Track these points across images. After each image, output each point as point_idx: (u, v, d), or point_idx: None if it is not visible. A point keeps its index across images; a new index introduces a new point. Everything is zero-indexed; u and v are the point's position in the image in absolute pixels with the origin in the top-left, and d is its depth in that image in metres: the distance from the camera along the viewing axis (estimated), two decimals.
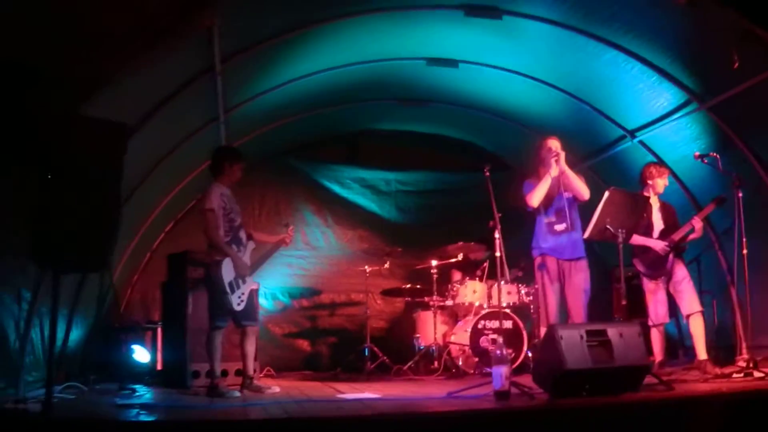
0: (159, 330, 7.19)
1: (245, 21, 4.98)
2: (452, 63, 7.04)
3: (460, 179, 9.12)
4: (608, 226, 5.16)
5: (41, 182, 3.51)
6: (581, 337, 4.51)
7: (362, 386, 5.98)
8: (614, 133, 7.51)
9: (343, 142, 9.01)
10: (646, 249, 6.02)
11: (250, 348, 5.58)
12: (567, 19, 6.00)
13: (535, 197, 5.63)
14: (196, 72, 5.27)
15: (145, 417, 3.89)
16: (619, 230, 5.17)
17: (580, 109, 7.37)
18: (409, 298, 7.97)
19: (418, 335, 7.72)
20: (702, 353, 5.84)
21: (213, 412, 4.31)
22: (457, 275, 8.12)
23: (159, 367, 7.09)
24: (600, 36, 6.13)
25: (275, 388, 5.57)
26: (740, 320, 6.99)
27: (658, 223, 6.12)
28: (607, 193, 5.15)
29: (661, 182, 6.10)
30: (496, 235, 5.29)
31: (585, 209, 5.71)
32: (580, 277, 5.63)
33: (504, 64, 7.09)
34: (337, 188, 8.93)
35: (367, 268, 7.80)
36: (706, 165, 5.99)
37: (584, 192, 5.66)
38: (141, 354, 7.02)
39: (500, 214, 5.34)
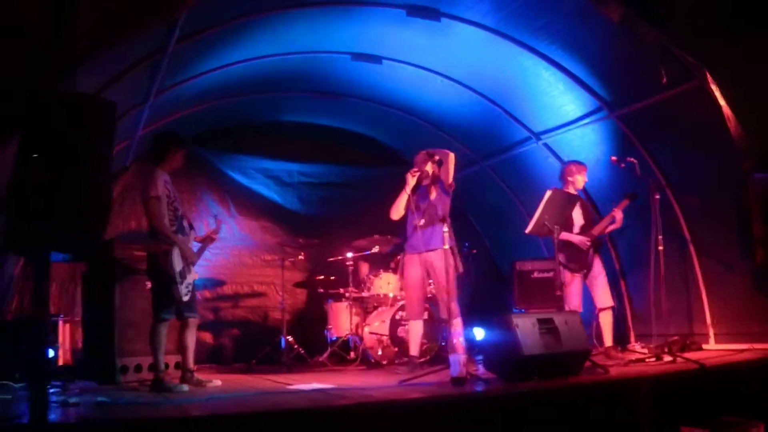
0: (60, 323, 6.76)
1: (211, 3, 4.81)
2: (376, 59, 7.16)
3: (360, 173, 9.28)
4: (546, 223, 5.56)
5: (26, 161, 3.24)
6: (533, 324, 4.84)
7: (295, 378, 5.97)
8: (520, 134, 7.98)
9: (252, 133, 8.83)
10: (569, 243, 6.45)
11: (191, 341, 5.39)
12: (499, 25, 6.34)
13: (394, 212, 6.09)
14: (150, 51, 5.00)
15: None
16: (555, 226, 5.59)
17: (492, 111, 7.76)
18: (322, 290, 8.00)
19: (330, 326, 7.78)
20: (609, 341, 6.41)
21: (185, 407, 4.14)
22: (365, 267, 8.28)
23: (61, 362, 6.66)
24: (525, 43, 6.53)
25: (216, 381, 5.42)
26: (629, 312, 7.77)
27: (578, 219, 6.54)
28: (548, 193, 5.53)
29: (580, 179, 6.53)
30: (445, 228, 5.49)
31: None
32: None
33: (426, 64, 7.32)
34: (240, 178, 8.75)
35: (284, 260, 7.74)
36: (615, 169, 6.57)
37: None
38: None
39: (454, 208, 5.57)
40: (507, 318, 4.81)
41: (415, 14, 6.11)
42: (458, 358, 4.74)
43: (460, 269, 5.46)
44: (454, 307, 5.75)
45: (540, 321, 4.88)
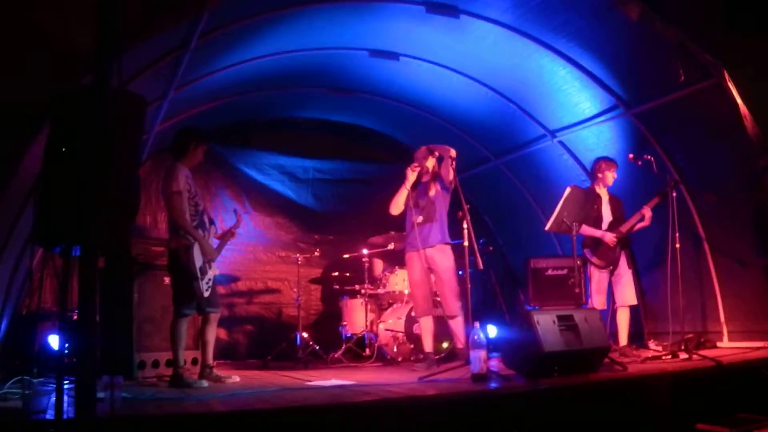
0: (75, 317, 6.76)
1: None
2: (394, 56, 7.17)
3: (375, 170, 9.27)
4: (564, 220, 5.57)
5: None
6: (554, 321, 4.86)
7: (314, 374, 5.99)
8: (535, 132, 7.97)
9: (267, 128, 8.85)
10: (596, 239, 6.45)
11: (211, 336, 5.42)
12: (518, 23, 6.34)
13: (393, 207, 6.09)
14: (173, 47, 5.02)
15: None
16: (574, 223, 5.59)
17: (507, 108, 7.76)
18: (337, 286, 8.01)
19: (345, 323, 7.79)
20: (624, 339, 6.41)
21: (209, 403, 4.15)
22: (380, 264, 8.29)
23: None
24: (543, 41, 6.52)
25: (235, 377, 5.44)
26: (643, 309, 7.75)
27: (607, 215, 6.53)
28: (568, 190, 5.54)
29: (610, 175, 6.52)
30: (465, 225, 5.49)
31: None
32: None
33: (443, 61, 7.32)
34: (255, 174, 8.77)
35: (299, 256, 7.76)
36: (631, 166, 6.57)
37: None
38: (57, 344, 6.55)
39: (468, 206, 5.55)
40: (527, 315, 4.83)
41: (434, 11, 6.11)
42: (478, 354, 4.75)
43: (480, 266, 5.43)
44: (456, 304, 5.91)
45: (560, 318, 4.90)
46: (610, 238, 6.36)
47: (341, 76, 7.68)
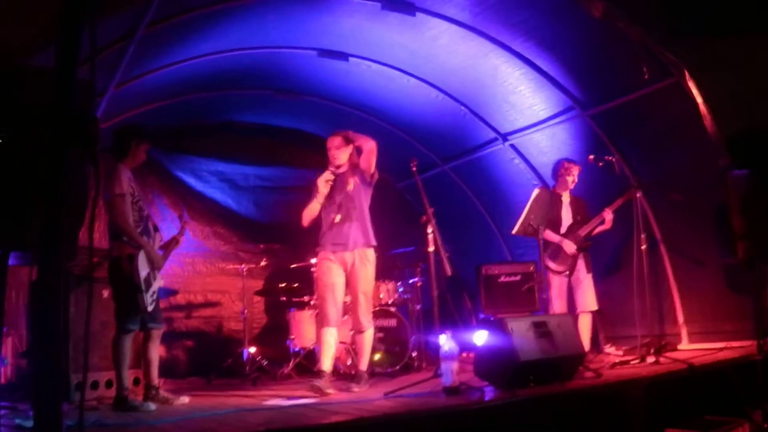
0: (2, 337, 6.16)
1: None
2: (343, 56, 6.87)
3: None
4: (531, 223, 5.38)
5: None
6: (528, 329, 4.64)
7: (265, 392, 5.62)
8: (486, 135, 7.81)
9: (206, 132, 8.38)
10: (552, 243, 6.30)
11: (155, 354, 4.97)
12: (475, 21, 6.15)
13: (305, 220, 5.45)
14: (118, 36, 4.56)
15: None
16: (540, 226, 5.41)
17: (458, 111, 7.58)
18: (284, 298, 7.61)
19: (293, 336, 7.37)
20: (587, 346, 6.28)
21: (163, 429, 3.74)
22: None
23: (2, 379, 6.08)
24: (499, 40, 6.36)
25: (183, 398, 5.00)
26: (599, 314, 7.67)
27: (567, 217, 6.43)
28: (536, 192, 5.38)
29: (569, 179, 6.45)
30: (429, 230, 5.23)
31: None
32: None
33: (394, 62, 7.07)
34: (193, 181, 8.30)
35: (244, 267, 7.34)
36: (587, 169, 6.48)
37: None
38: None
39: (432, 209, 5.28)
40: (501, 322, 4.59)
41: (391, 8, 5.86)
42: (450, 366, 4.49)
43: (448, 272, 5.16)
44: (369, 316, 5.41)
45: (534, 324, 4.68)
46: (568, 246, 6.23)
47: (288, 77, 7.32)
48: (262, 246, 7.74)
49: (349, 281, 5.34)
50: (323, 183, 5.33)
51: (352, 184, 5.41)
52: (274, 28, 6.06)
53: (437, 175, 8.75)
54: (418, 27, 6.26)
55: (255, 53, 6.45)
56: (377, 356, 6.81)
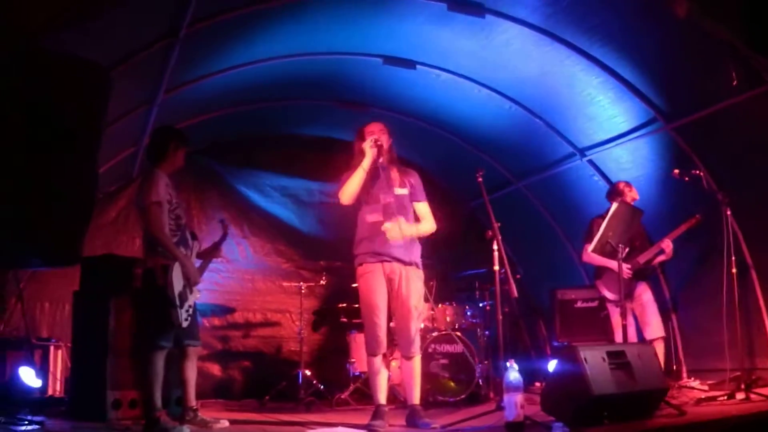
0: (51, 348, 6.12)
1: None
2: (410, 64, 6.51)
3: None
4: (609, 240, 4.84)
5: None
6: (603, 359, 4.09)
7: (316, 417, 5.27)
8: (562, 150, 7.27)
9: (269, 145, 8.17)
10: (609, 270, 5.76)
11: (192, 373, 4.64)
12: (548, 23, 5.69)
13: (344, 194, 4.63)
14: (159, 34, 4.33)
15: None
16: (619, 245, 4.86)
17: (532, 124, 7.08)
18: (345, 319, 7.23)
19: (353, 360, 6.99)
20: None
21: None
22: None
23: (50, 392, 5.97)
24: (576, 45, 5.87)
25: (224, 422, 4.65)
26: (681, 345, 6.99)
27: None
28: (614, 206, 4.87)
29: (632, 196, 5.97)
30: (495, 246, 4.75)
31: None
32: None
33: (463, 71, 6.66)
34: (255, 195, 8.09)
35: (302, 285, 7.03)
36: (669, 186, 5.92)
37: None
38: (29, 377, 5.80)
39: (499, 224, 4.79)
40: (573, 351, 4.06)
41: (457, 9, 5.45)
42: (514, 398, 3.99)
43: (515, 293, 4.60)
44: (418, 341, 4.65)
45: (610, 354, 4.13)
46: (624, 269, 5.65)
47: (351, 87, 7.01)
48: (322, 263, 7.41)
49: (398, 297, 4.55)
50: (369, 146, 4.56)
51: (402, 188, 4.68)
52: (331, 32, 5.75)
53: (510, 193, 8.25)
54: (488, 31, 5.85)
55: (313, 60, 6.15)
56: (441, 384, 6.33)
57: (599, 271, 6.01)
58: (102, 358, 4.96)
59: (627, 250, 5.01)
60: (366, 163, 4.54)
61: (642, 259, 5.86)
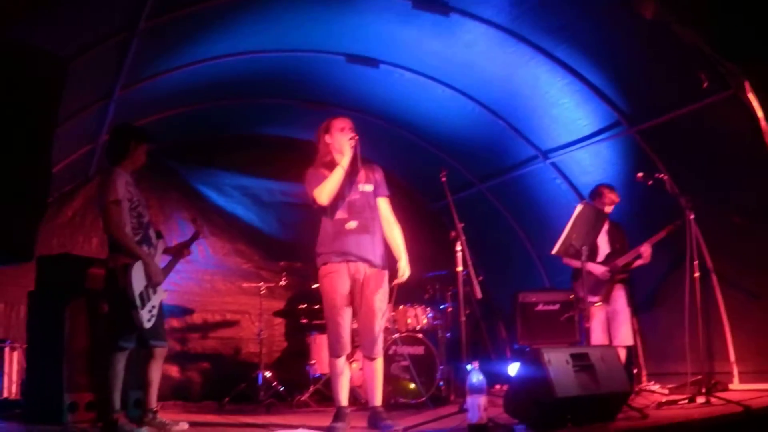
0: (6, 350, 5.96)
1: None
2: (373, 62, 6.45)
3: None
4: (573, 243, 4.84)
5: None
6: (567, 361, 4.09)
7: (277, 419, 5.17)
8: (525, 152, 7.28)
9: (229, 145, 8.03)
10: (588, 273, 5.78)
11: (156, 374, 4.51)
12: (514, 24, 5.69)
13: (323, 193, 4.37)
14: (117, 27, 4.18)
15: None
16: (583, 247, 4.87)
17: (495, 124, 7.07)
18: (305, 320, 7.14)
19: (313, 361, 6.90)
20: None
21: None
22: None
23: (6, 395, 5.85)
24: (541, 47, 5.88)
25: (183, 424, 4.53)
26: (641, 348, 7.05)
27: (603, 246, 6.01)
28: (579, 207, 4.85)
29: (610, 202, 5.98)
30: (458, 247, 4.72)
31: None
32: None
33: (427, 70, 6.63)
34: (215, 195, 7.96)
35: (262, 285, 6.92)
36: (632, 190, 5.96)
37: None
38: None
39: (462, 224, 4.75)
40: (537, 353, 4.05)
41: (422, 6, 5.41)
42: (477, 401, 3.95)
43: (478, 294, 4.58)
44: (381, 342, 4.54)
45: (573, 357, 4.12)
46: (601, 271, 5.69)
47: (313, 86, 6.92)
48: (282, 263, 7.31)
49: (362, 297, 4.41)
50: (351, 145, 4.34)
51: (366, 183, 4.54)
52: (294, 28, 5.64)
53: (473, 195, 8.24)
54: (453, 30, 5.82)
55: (275, 57, 6.05)
56: (402, 386, 6.28)
57: (576, 273, 6.03)
58: (58, 359, 4.80)
59: (587, 252, 5.00)
60: (345, 162, 4.36)
61: (621, 262, 5.90)
